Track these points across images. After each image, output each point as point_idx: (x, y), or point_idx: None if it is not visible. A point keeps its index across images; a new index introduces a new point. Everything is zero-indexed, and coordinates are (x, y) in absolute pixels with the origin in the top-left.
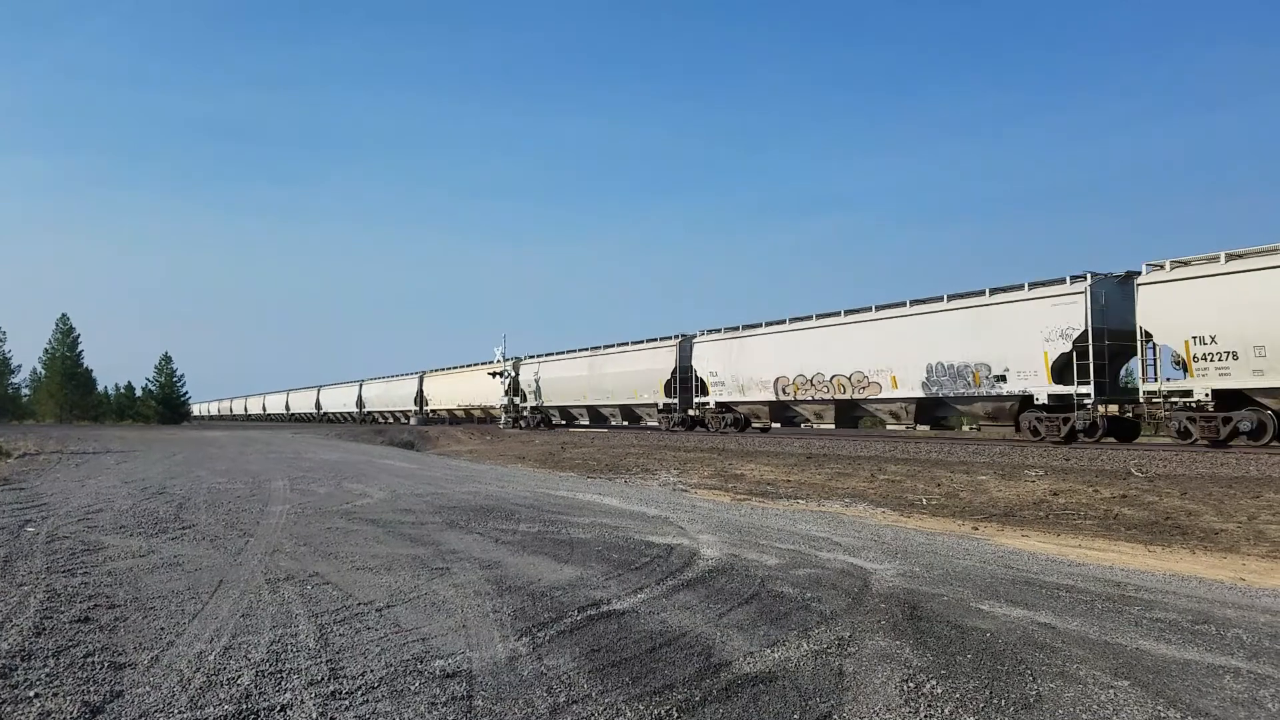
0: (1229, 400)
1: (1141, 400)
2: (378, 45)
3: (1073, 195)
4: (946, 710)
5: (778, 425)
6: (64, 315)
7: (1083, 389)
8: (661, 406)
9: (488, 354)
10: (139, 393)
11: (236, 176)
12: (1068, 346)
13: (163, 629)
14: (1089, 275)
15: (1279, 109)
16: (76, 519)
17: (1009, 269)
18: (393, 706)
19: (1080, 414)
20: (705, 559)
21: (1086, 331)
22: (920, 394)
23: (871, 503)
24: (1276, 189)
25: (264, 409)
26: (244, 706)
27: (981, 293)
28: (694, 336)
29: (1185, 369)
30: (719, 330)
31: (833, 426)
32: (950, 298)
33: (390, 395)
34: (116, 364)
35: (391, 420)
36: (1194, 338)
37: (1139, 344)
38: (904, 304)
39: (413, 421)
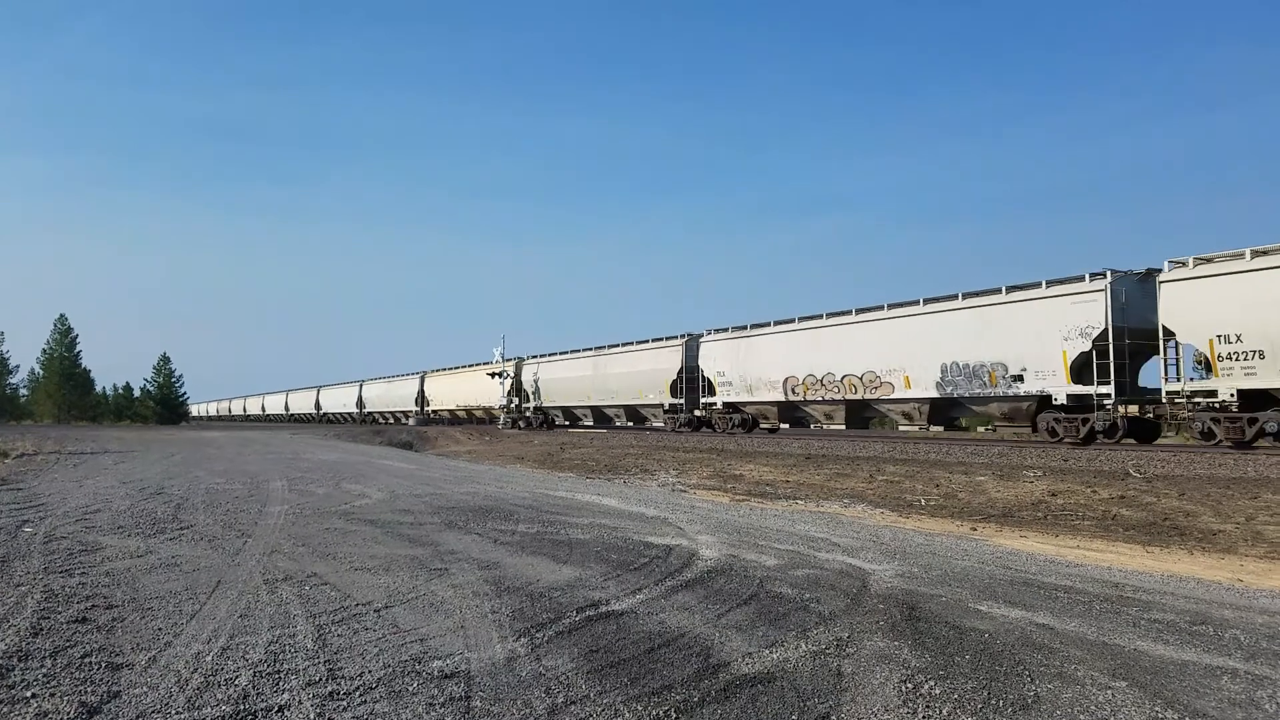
0: (1255, 400)
1: (1164, 401)
2: (378, 45)
3: (1073, 195)
4: (945, 711)
5: (786, 426)
6: (62, 315)
7: (1103, 389)
8: (667, 407)
9: (489, 354)
10: (137, 393)
11: (236, 176)
12: (1087, 345)
13: (160, 629)
14: (1109, 273)
15: (1279, 109)
16: (74, 519)
17: (1009, 269)
18: (391, 707)
19: (1100, 414)
20: (704, 559)
21: (1107, 330)
22: (934, 394)
23: (870, 503)
24: (1276, 189)
25: (263, 409)
26: (241, 707)
27: (997, 290)
28: (700, 336)
29: (1209, 368)
30: (726, 329)
31: (843, 427)
32: (965, 296)
33: (391, 395)
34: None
35: (392, 421)
36: (1218, 336)
37: (1161, 343)
38: (917, 302)
39: (411, 422)
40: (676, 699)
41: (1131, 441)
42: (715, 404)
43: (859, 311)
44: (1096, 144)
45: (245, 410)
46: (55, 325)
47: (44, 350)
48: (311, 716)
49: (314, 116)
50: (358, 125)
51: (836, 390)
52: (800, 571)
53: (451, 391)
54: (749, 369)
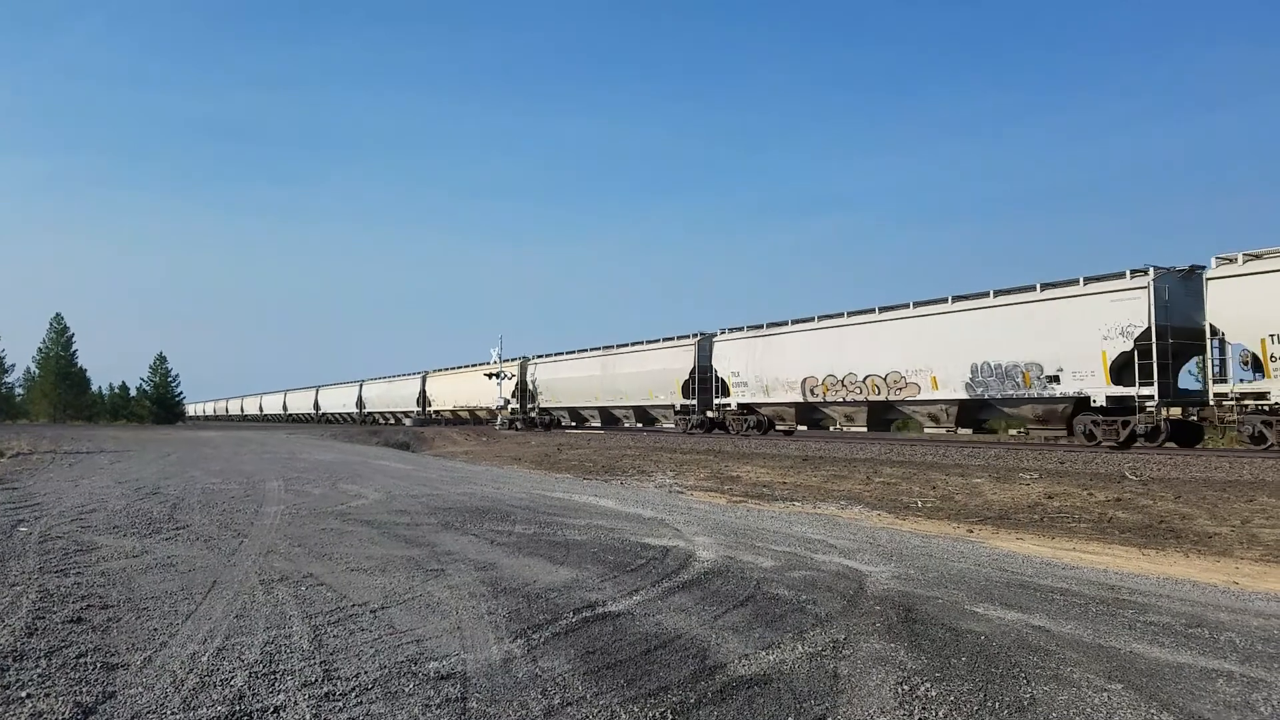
0: None
1: (1210, 403)
2: (378, 45)
3: (1073, 195)
4: (941, 713)
5: (804, 428)
6: (58, 315)
7: (1145, 390)
8: (678, 408)
9: (490, 354)
10: (133, 393)
11: (236, 176)
12: (1128, 345)
13: (156, 630)
14: (1151, 269)
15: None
16: (70, 519)
17: (1009, 269)
18: (387, 708)
19: (1142, 417)
20: (701, 561)
21: (1150, 329)
22: (964, 395)
23: (867, 505)
24: (1276, 189)
25: (261, 409)
26: (237, 708)
27: (1032, 288)
28: (714, 335)
29: (1257, 369)
30: (741, 329)
31: (865, 430)
32: (997, 293)
33: (392, 396)
34: (115, 364)
35: (392, 421)
36: (1271, 335)
37: (1208, 342)
38: (945, 300)
39: (408, 422)
40: (673, 700)
41: (1173, 446)
42: (729, 405)
43: (883, 310)
44: (1096, 144)
45: (243, 410)
46: (51, 324)
47: (40, 349)
48: (307, 717)
49: (314, 116)
50: (358, 125)
51: (859, 391)
52: (797, 573)
53: (454, 392)
54: (765, 369)
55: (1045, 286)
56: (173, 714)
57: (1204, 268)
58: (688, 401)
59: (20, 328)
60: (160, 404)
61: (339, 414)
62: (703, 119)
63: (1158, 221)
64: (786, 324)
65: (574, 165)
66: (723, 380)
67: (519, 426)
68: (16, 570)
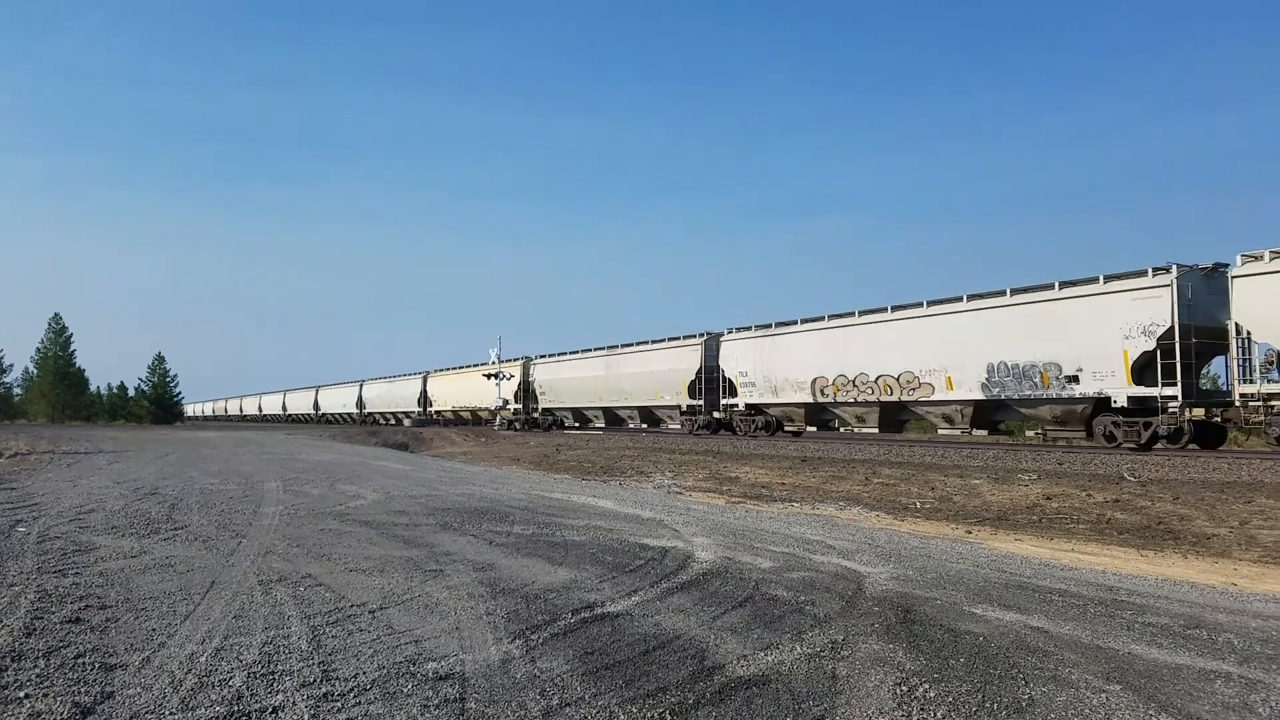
0: None
1: (1236, 404)
2: (378, 45)
3: (1073, 195)
4: (939, 714)
5: (813, 429)
6: (56, 315)
7: (1168, 390)
8: (685, 409)
9: (488, 355)
10: (131, 393)
11: (236, 176)
12: (1151, 344)
13: (154, 630)
14: (1174, 267)
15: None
16: (68, 519)
17: (1010, 269)
18: (385, 709)
19: (1165, 418)
20: (699, 562)
21: (1173, 328)
22: (980, 396)
23: (865, 506)
24: (1276, 189)
25: (260, 410)
26: (236, 708)
27: (1050, 286)
28: (721, 335)
29: None
30: (749, 328)
31: (876, 431)
32: (1013, 292)
33: (393, 396)
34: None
35: (393, 422)
36: None
37: (1232, 341)
38: (961, 299)
39: (407, 423)
40: (671, 701)
41: (1195, 447)
42: (737, 406)
43: (895, 309)
44: (1096, 144)
45: (241, 410)
46: (50, 324)
47: (38, 349)
48: (306, 718)
49: (314, 116)
50: (358, 125)
51: (870, 391)
52: (795, 574)
53: (455, 392)
54: (774, 369)
55: (1064, 285)
56: (171, 714)
57: (1228, 265)
58: (694, 402)
59: (19, 328)
60: (159, 404)
61: (339, 414)
62: (703, 119)
63: (1158, 221)
64: (795, 323)
65: (574, 165)
66: (730, 380)
67: (517, 427)
68: (15, 570)
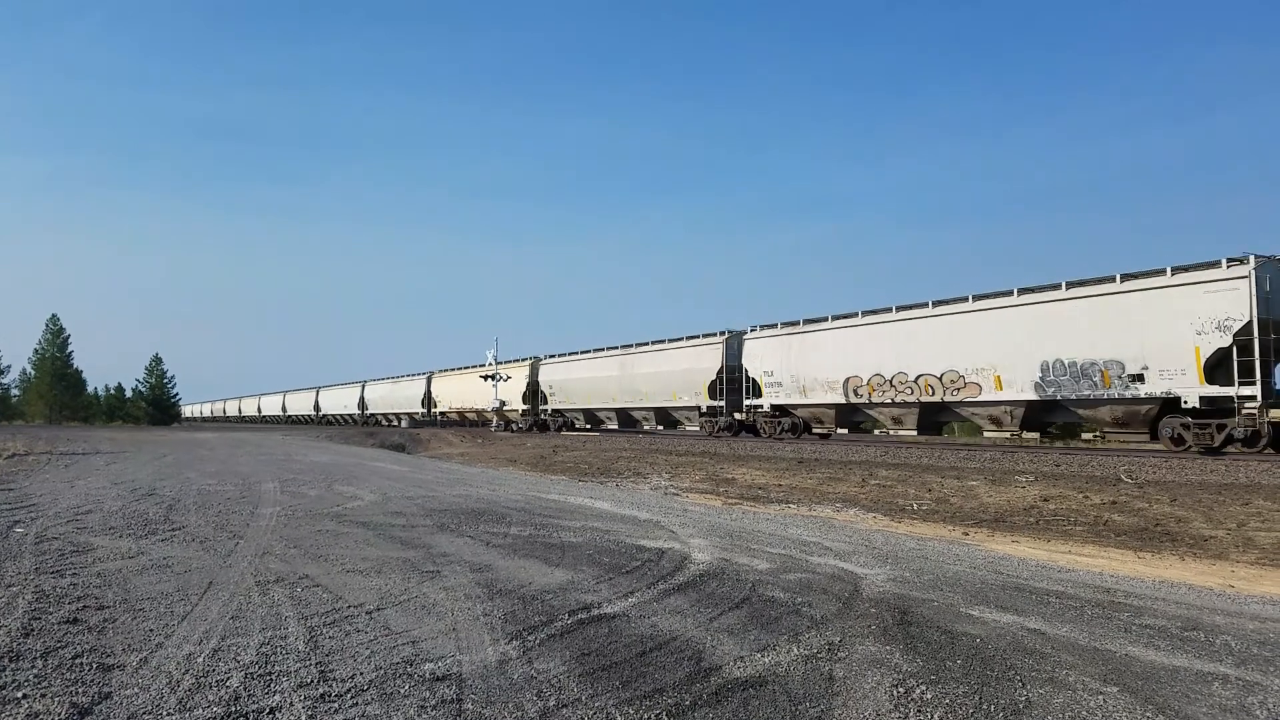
0: None
1: None
2: (378, 45)
3: (1073, 196)
4: (936, 715)
5: (843, 431)
6: (54, 316)
7: (1245, 390)
8: (704, 410)
9: (498, 354)
10: (129, 394)
11: (236, 176)
12: (1226, 341)
13: (152, 630)
14: (1251, 257)
15: (1279, 109)
16: (65, 520)
17: (1010, 269)
18: (382, 709)
19: (1241, 419)
20: (696, 563)
21: (1251, 323)
22: (1032, 396)
23: (862, 507)
24: (1276, 189)
25: (259, 411)
26: (233, 708)
27: (1111, 279)
28: (743, 333)
29: None
30: (775, 325)
31: (914, 433)
32: (1069, 285)
33: (395, 396)
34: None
35: (396, 424)
36: None
37: None
38: (1011, 293)
39: (403, 424)
40: (668, 702)
41: (1271, 452)
42: (761, 407)
43: (937, 303)
44: (1096, 145)
45: (240, 411)
46: (47, 325)
47: (36, 350)
48: (303, 718)
49: (314, 116)
50: (358, 125)
51: (910, 391)
52: (792, 575)
53: (461, 393)
54: (803, 368)
55: (1126, 277)
56: (169, 715)
57: None
58: (714, 403)
59: (17, 328)
60: (156, 405)
61: (340, 415)
62: (703, 119)
63: (1158, 222)
64: (826, 319)
65: (574, 165)
66: (754, 380)
67: (516, 428)
68: (13, 571)
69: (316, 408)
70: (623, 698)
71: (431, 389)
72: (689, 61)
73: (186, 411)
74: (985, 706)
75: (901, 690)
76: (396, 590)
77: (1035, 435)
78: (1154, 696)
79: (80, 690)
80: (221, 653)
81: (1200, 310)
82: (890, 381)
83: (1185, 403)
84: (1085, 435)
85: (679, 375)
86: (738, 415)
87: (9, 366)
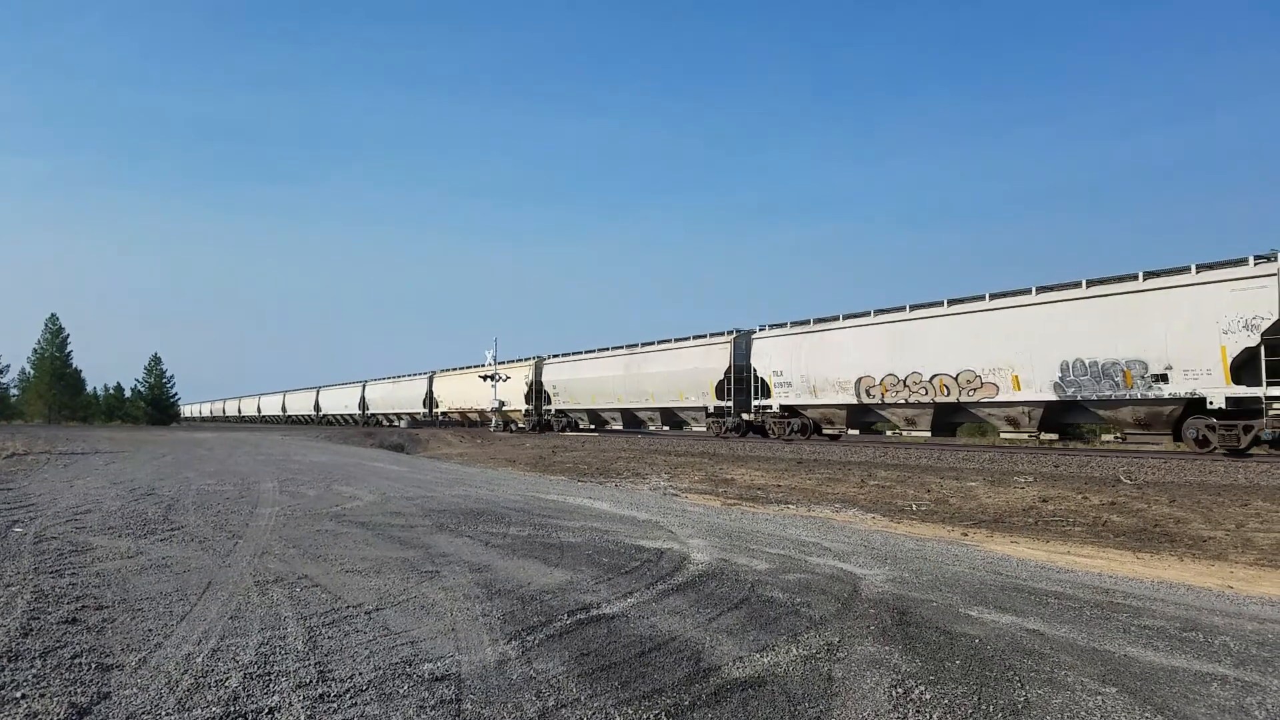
0: None
1: None
2: (378, 45)
3: (1073, 196)
4: (935, 716)
5: (854, 432)
6: (53, 315)
7: (1274, 390)
8: (712, 410)
9: (500, 354)
10: (128, 394)
11: (236, 176)
12: (1253, 340)
13: (151, 630)
14: (1279, 254)
15: (1279, 109)
16: (64, 520)
17: (1010, 269)
18: (381, 709)
19: (1269, 420)
20: (695, 563)
21: None
22: (1051, 396)
23: (861, 508)
24: (1276, 189)
25: (259, 410)
26: (232, 709)
27: (1133, 277)
28: (752, 332)
29: None
30: (784, 324)
31: (928, 434)
32: (1090, 283)
33: (396, 396)
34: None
35: (398, 423)
36: None
37: None
38: (1029, 291)
39: (402, 424)
40: (667, 703)
41: None
42: (770, 407)
43: (952, 302)
44: (1096, 146)
45: (240, 411)
46: (46, 325)
47: (35, 350)
48: (302, 718)
49: (314, 116)
50: (358, 125)
51: (924, 392)
52: (791, 576)
53: (462, 393)
54: (813, 368)
55: (1149, 275)
56: (168, 715)
57: None
58: (722, 403)
59: (17, 328)
60: (155, 405)
61: (341, 416)
62: (703, 119)
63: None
64: (837, 319)
65: (574, 165)
66: (763, 380)
67: (514, 429)
68: (11, 571)
69: (316, 408)
70: (622, 698)
71: (433, 389)
72: (689, 62)
73: (186, 411)
74: (984, 707)
75: (900, 691)
76: (395, 590)
77: (1054, 436)
78: (1153, 697)
79: (79, 690)
80: (220, 653)
81: (1227, 309)
82: (904, 382)
83: (1210, 403)
84: (1105, 436)
85: (686, 375)
86: (746, 416)
87: (8, 366)
